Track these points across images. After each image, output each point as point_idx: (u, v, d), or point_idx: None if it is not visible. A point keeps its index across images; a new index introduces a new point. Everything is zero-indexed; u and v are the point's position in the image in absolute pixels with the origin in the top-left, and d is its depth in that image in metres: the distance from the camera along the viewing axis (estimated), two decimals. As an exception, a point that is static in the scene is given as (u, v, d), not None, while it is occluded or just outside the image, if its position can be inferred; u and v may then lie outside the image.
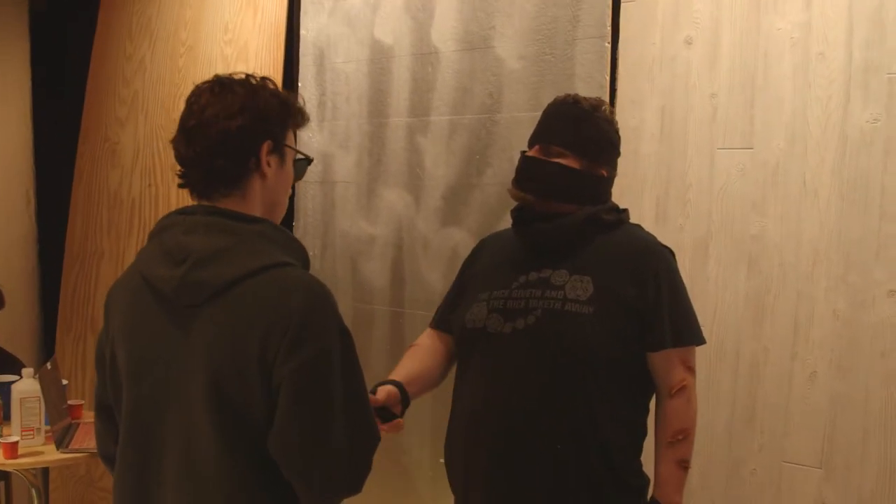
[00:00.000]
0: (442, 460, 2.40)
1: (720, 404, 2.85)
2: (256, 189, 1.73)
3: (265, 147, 1.71)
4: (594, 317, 2.10)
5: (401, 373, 2.29)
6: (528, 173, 2.23)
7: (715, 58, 2.88)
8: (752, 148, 2.82)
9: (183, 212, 1.73)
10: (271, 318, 1.60)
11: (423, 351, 2.39)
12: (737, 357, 2.83)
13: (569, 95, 2.30)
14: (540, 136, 2.26)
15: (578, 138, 2.21)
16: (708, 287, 2.87)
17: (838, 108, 2.67)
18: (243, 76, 1.74)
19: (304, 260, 1.75)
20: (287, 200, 1.84)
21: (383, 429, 2.04)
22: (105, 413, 1.85)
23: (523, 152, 2.28)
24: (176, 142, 1.73)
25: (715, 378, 2.86)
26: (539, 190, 2.21)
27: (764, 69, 2.80)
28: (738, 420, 2.83)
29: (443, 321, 2.42)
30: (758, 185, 2.81)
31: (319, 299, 1.64)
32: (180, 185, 1.75)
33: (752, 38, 2.82)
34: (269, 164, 1.73)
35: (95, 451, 3.03)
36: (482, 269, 2.36)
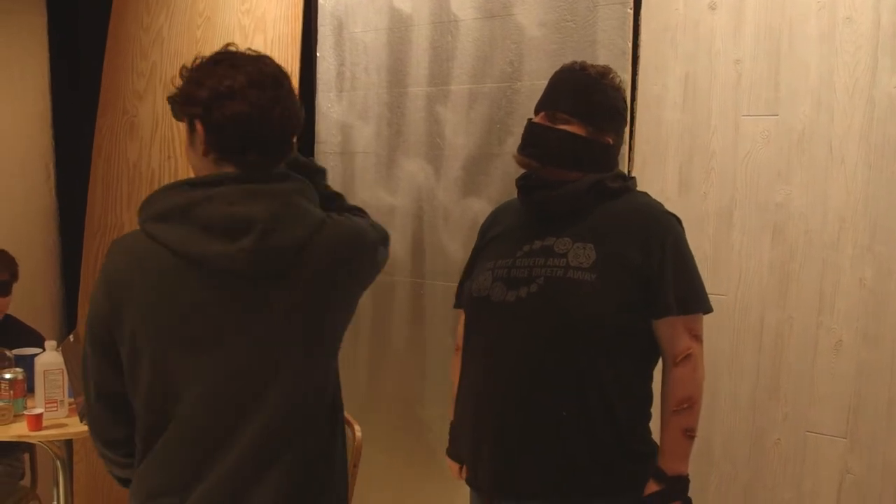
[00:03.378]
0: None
1: (744, 373, 2.83)
2: None
3: None
4: (597, 283, 2.08)
5: None
6: (532, 139, 2.22)
7: (739, 23, 2.84)
8: (777, 115, 2.78)
9: (206, 184, 1.74)
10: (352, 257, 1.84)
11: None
12: (761, 326, 2.80)
13: (576, 62, 2.28)
14: (546, 102, 2.24)
15: (584, 105, 2.19)
16: (732, 256, 2.84)
17: (866, 73, 2.63)
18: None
19: (317, 202, 1.86)
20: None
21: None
22: (111, 400, 1.84)
23: (529, 119, 2.26)
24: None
25: (739, 347, 2.83)
26: (543, 156, 2.20)
27: (789, 34, 2.75)
28: (762, 389, 2.81)
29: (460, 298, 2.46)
30: (783, 152, 2.77)
31: (362, 235, 1.88)
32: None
33: (778, 3, 2.77)
34: None
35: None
36: (491, 239, 2.36)
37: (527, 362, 2.12)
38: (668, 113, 2.98)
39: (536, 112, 2.25)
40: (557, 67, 3.04)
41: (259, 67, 1.77)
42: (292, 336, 1.78)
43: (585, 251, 2.12)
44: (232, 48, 1.82)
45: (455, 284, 3.31)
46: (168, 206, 1.74)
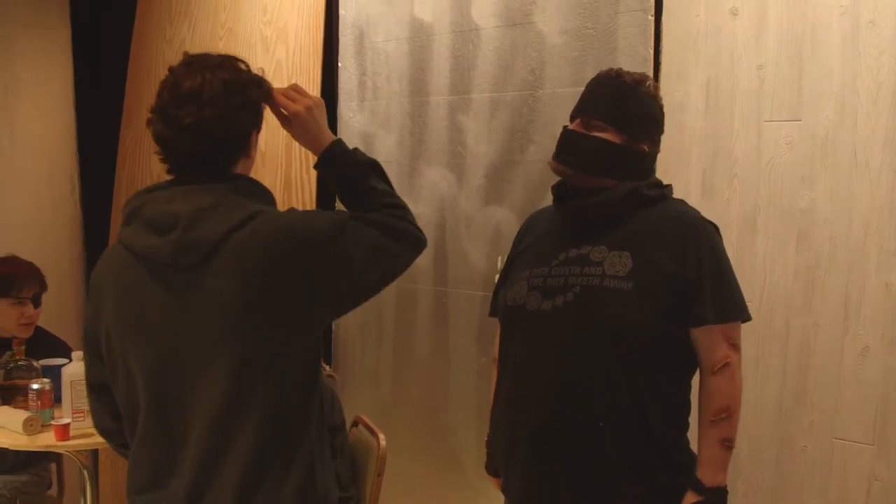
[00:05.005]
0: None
1: (770, 380, 2.82)
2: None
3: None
4: (633, 292, 2.07)
5: None
6: (567, 146, 2.21)
7: (761, 28, 2.83)
8: (800, 120, 2.76)
9: (157, 188, 1.91)
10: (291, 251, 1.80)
11: None
12: (787, 332, 2.79)
13: (612, 69, 2.27)
14: (581, 109, 2.23)
15: (620, 113, 2.18)
16: (756, 262, 2.83)
17: (889, 77, 2.61)
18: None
19: (273, 203, 1.94)
20: None
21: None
22: (100, 391, 2.00)
23: (565, 126, 2.26)
24: None
25: (764, 354, 2.82)
26: (578, 163, 2.19)
27: (812, 39, 2.74)
28: (788, 396, 2.79)
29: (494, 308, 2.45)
30: (806, 157, 2.75)
31: (296, 229, 1.82)
32: None
33: (800, 7, 2.76)
34: None
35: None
36: (526, 248, 2.35)
37: (561, 373, 2.11)
38: (691, 119, 2.97)
39: (572, 119, 2.24)
40: (579, 75, 3.05)
41: (199, 81, 1.86)
42: (229, 329, 1.77)
43: (622, 259, 2.11)
44: (187, 58, 1.94)
45: (477, 293, 3.31)
46: (129, 210, 1.88)
